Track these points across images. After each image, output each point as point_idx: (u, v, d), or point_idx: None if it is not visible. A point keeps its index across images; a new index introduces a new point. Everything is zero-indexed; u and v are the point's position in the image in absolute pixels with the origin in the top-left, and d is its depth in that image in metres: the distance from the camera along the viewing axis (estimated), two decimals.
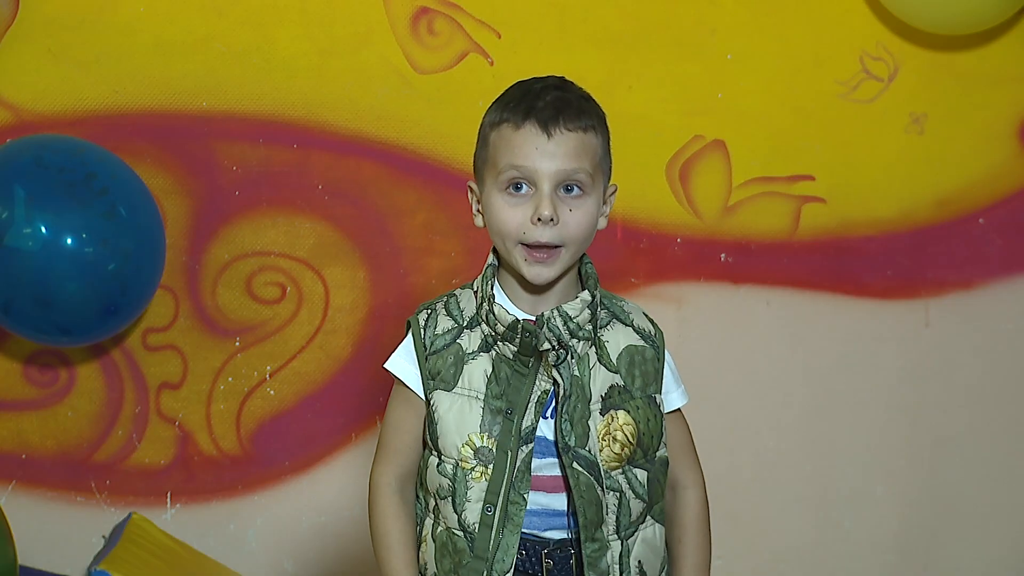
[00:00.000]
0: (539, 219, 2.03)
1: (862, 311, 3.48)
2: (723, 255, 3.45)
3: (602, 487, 2.07)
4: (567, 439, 2.06)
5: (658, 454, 2.14)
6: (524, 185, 2.05)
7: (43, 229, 3.01)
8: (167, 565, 3.17)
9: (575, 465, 2.06)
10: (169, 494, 3.36)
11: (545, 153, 2.04)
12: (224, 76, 3.31)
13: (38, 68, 3.27)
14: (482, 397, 2.07)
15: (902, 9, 3.35)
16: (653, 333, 2.17)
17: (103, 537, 3.30)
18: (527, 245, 2.06)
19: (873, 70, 3.45)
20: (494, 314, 2.07)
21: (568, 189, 2.06)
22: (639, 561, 2.11)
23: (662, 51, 3.41)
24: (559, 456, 2.07)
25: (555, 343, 2.06)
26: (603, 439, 2.08)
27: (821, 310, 3.47)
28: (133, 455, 3.35)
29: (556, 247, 2.06)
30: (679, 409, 2.20)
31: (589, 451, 2.07)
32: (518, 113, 2.06)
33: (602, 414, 2.09)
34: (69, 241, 3.02)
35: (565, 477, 2.07)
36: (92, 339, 3.21)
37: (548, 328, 2.05)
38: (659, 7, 3.40)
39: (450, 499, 2.07)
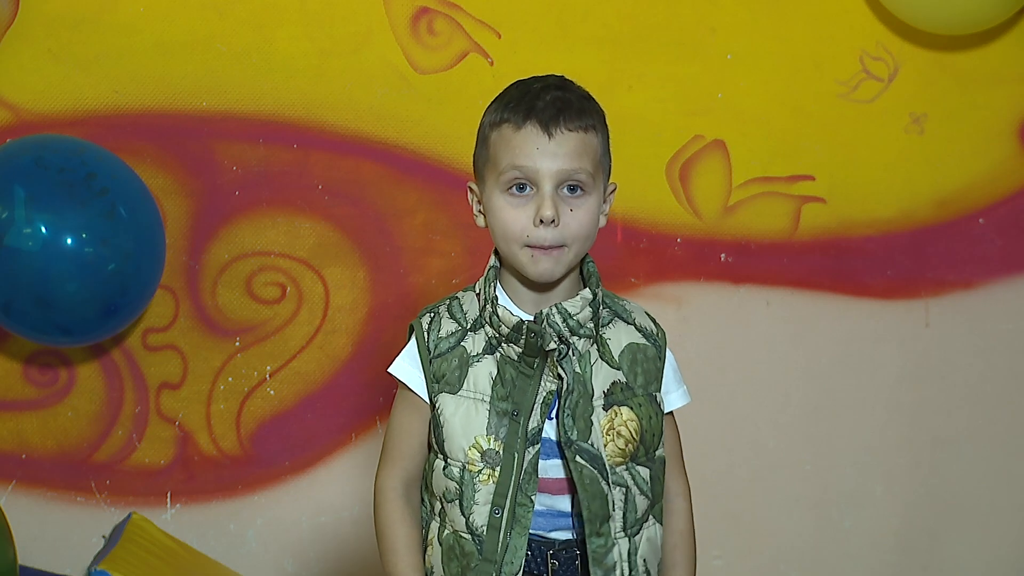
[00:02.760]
0: (541, 220, 2.04)
1: (862, 311, 3.48)
2: (723, 255, 3.45)
3: (607, 482, 2.07)
4: (569, 433, 2.06)
5: (657, 453, 2.14)
6: (526, 186, 2.05)
7: (43, 229, 3.01)
8: (167, 565, 3.17)
9: (578, 459, 2.06)
10: (169, 494, 3.36)
11: (546, 153, 2.04)
12: (224, 76, 3.31)
13: (38, 68, 3.27)
14: (488, 399, 2.07)
15: (902, 9, 3.35)
16: (655, 332, 2.17)
17: (103, 537, 3.30)
18: (530, 246, 2.06)
19: (873, 70, 3.45)
20: (498, 316, 2.07)
21: (571, 189, 2.06)
22: (644, 560, 2.11)
23: (662, 51, 3.41)
24: (561, 453, 2.07)
25: (558, 340, 2.06)
26: (607, 434, 2.08)
27: (821, 310, 3.47)
28: (133, 455, 3.35)
29: (560, 247, 2.06)
30: (672, 413, 2.20)
31: (592, 445, 2.07)
32: (518, 113, 2.05)
33: (605, 409, 2.09)
34: (69, 241, 3.02)
35: (569, 476, 2.07)
36: (92, 339, 3.21)
37: (548, 324, 2.05)
38: (659, 7, 3.40)
39: (457, 502, 2.07)
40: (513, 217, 2.06)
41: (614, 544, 2.08)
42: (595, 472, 2.07)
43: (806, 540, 3.51)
